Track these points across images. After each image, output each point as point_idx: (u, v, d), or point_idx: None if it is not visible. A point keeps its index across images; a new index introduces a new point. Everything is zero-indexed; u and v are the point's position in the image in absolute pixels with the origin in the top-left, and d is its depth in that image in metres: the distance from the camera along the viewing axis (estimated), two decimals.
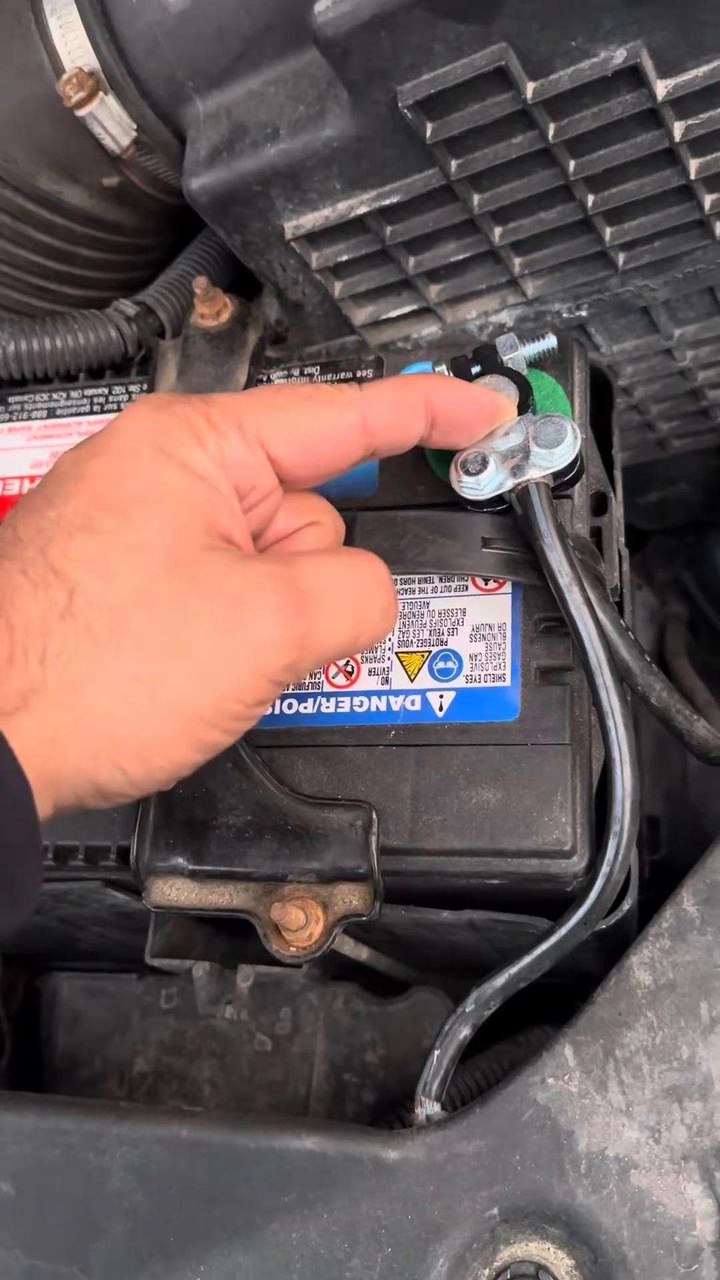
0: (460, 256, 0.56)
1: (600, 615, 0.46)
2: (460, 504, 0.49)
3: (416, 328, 0.60)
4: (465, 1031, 0.46)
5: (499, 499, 0.48)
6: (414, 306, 0.59)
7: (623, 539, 0.54)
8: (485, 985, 0.47)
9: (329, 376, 0.58)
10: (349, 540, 0.49)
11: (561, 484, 0.48)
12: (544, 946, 0.46)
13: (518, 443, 0.47)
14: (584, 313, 0.58)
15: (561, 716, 0.47)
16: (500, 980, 0.47)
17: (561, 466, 0.47)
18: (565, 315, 0.58)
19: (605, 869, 0.44)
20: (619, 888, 0.45)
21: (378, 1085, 0.59)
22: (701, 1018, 0.44)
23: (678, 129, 0.48)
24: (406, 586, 0.50)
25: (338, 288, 0.58)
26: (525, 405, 0.49)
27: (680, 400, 0.65)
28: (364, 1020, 0.60)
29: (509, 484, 0.47)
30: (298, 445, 0.42)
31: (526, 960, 0.46)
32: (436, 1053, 0.46)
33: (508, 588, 0.49)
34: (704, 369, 0.63)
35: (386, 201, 0.53)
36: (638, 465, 0.71)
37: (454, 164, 0.51)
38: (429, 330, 0.60)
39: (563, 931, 0.45)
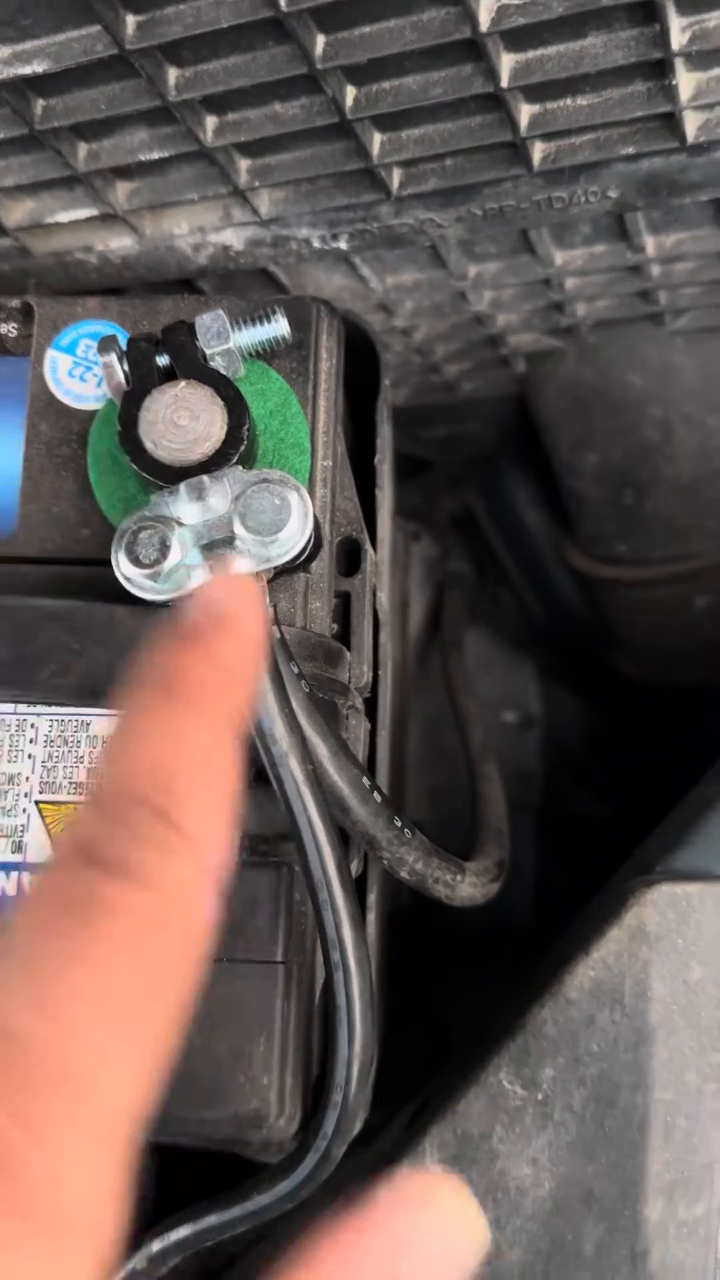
0: (158, 154, 0.36)
1: (334, 778, 0.32)
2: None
3: (102, 238, 0.41)
4: None
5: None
6: (93, 211, 0.39)
7: (383, 595, 0.39)
8: (162, 1239, 0.35)
9: None
10: None
11: (285, 570, 0.32)
12: (236, 1212, 0.33)
13: (218, 514, 0.31)
14: (343, 245, 0.40)
15: (272, 916, 0.33)
16: (180, 1234, 0.34)
17: (283, 562, 0.31)
18: (316, 244, 0.40)
19: (321, 1143, 0.32)
20: (338, 1162, 0.32)
21: None
22: None
23: (485, 10, 0.30)
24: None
25: None
26: (236, 433, 0.32)
27: (475, 347, 0.49)
28: None
29: (202, 579, 0.31)
30: None
31: (212, 1220, 0.34)
32: None
33: None
34: (505, 313, 0.47)
35: (29, 69, 0.33)
36: (420, 406, 0.55)
37: (132, 22, 0.31)
38: (121, 243, 0.41)
39: (263, 1202, 0.33)
